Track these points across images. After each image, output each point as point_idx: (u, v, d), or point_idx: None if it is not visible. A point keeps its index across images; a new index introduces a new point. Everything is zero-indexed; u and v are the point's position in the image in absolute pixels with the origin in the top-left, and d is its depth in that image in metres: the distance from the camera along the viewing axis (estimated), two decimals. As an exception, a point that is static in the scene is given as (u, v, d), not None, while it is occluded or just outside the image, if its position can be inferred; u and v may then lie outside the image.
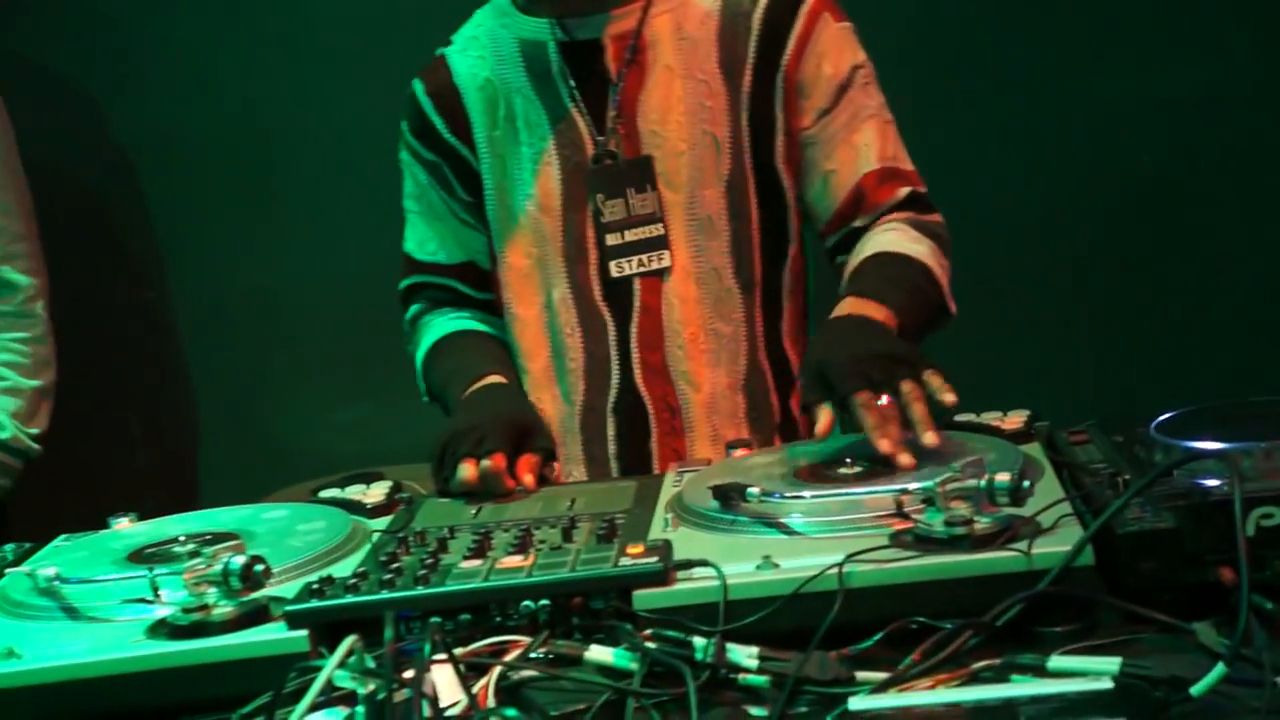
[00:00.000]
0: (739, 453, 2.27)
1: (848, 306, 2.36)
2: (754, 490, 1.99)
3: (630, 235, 2.54)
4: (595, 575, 1.86)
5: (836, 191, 2.56)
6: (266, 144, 3.67)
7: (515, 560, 1.93)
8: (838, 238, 2.59)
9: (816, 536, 1.91)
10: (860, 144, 2.55)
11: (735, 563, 1.84)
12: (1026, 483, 1.84)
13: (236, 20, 3.51)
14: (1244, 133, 3.44)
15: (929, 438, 2.06)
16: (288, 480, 3.20)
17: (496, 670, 1.75)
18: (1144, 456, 1.95)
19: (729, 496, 2.00)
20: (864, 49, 2.57)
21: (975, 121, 3.49)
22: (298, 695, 1.68)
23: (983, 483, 1.81)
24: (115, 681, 1.86)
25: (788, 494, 2.00)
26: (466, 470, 2.27)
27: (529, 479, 2.30)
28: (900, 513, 1.88)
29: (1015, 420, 2.20)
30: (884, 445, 2.07)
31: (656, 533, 2.00)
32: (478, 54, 2.60)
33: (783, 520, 1.95)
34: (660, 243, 2.53)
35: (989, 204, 3.47)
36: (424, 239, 2.70)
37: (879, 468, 2.04)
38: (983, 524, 1.81)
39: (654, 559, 1.86)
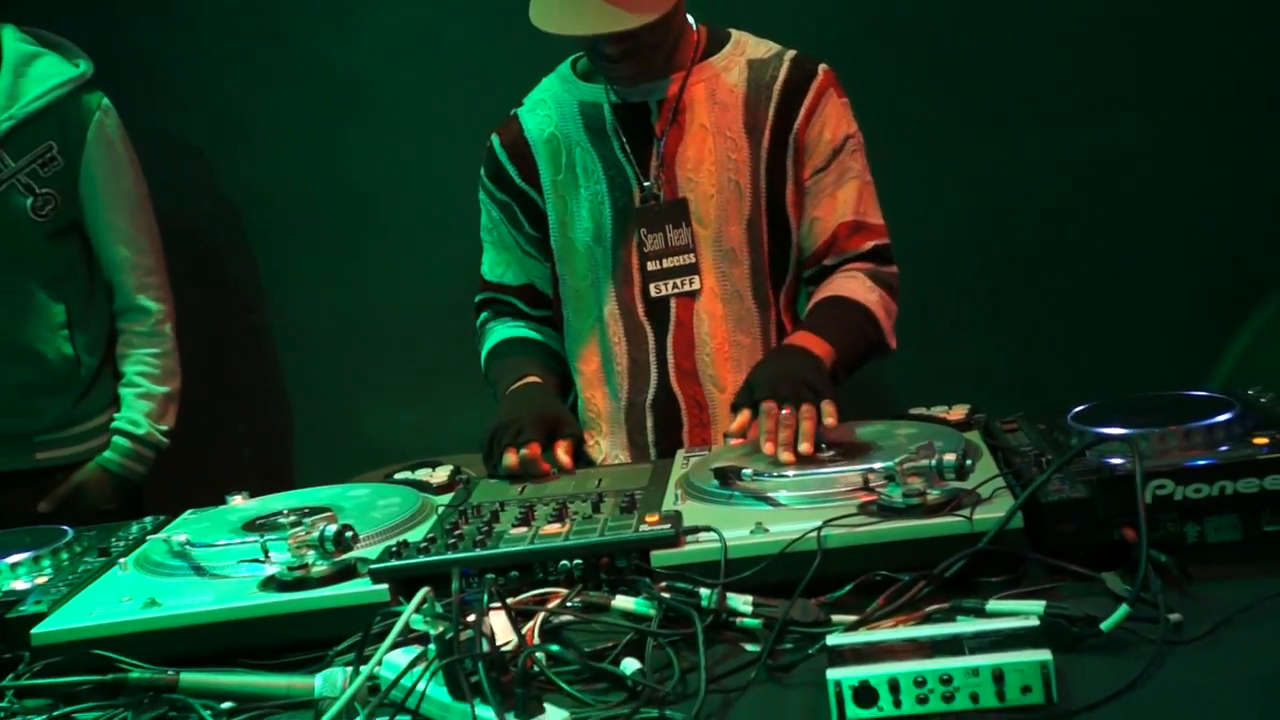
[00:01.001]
0: (735, 441, 2.27)
1: (795, 338, 2.43)
2: (747, 471, 2.02)
3: (667, 263, 2.54)
4: (620, 539, 1.88)
5: (817, 235, 2.56)
6: (348, 193, 3.67)
7: (554, 528, 1.95)
8: (812, 271, 2.60)
9: (798, 507, 1.93)
10: (840, 199, 2.55)
11: (733, 529, 1.86)
12: (969, 462, 1.87)
13: (326, 89, 3.50)
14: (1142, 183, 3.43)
15: (803, 447, 2.09)
16: (365, 468, 3.18)
17: (540, 615, 1.77)
18: (1062, 440, 1.97)
19: (727, 476, 2.02)
20: (855, 121, 2.58)
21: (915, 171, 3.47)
22: (381, 636, 1.68)
23: (933, 462, 1.83)
24: (234, 626, 1.88)
25: (774, 474, 2.01)
26: (509, 458, 2.29)
27: (565, 459, 2.32)
28: (866, 487, 1.89)
29: (958, 412, 2.21)
30: (767, 447, 2.12)
31: (669, 505, 2.01)
32: (545, 113, 2.60)
33: (770, 495, 1.97)
34: (692, 269, 2.53)
35: (937, 242, 3.46)
36: (494, 263, 2.70)
37: (847, 453, 2.04)
38: (933, 495, 1.83)
39: (667, 526, 1.88)
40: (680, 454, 2.31)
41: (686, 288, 2.55)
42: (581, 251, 2.59)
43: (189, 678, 1.73)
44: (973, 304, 3.49)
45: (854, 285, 2.54)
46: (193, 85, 3.58)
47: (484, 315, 2.74)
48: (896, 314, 2.57)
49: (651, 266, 2.54)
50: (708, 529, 1.87)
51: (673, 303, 2.55)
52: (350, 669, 1.69)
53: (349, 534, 1.94)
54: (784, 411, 2.16)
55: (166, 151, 3.38)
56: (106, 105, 3.12)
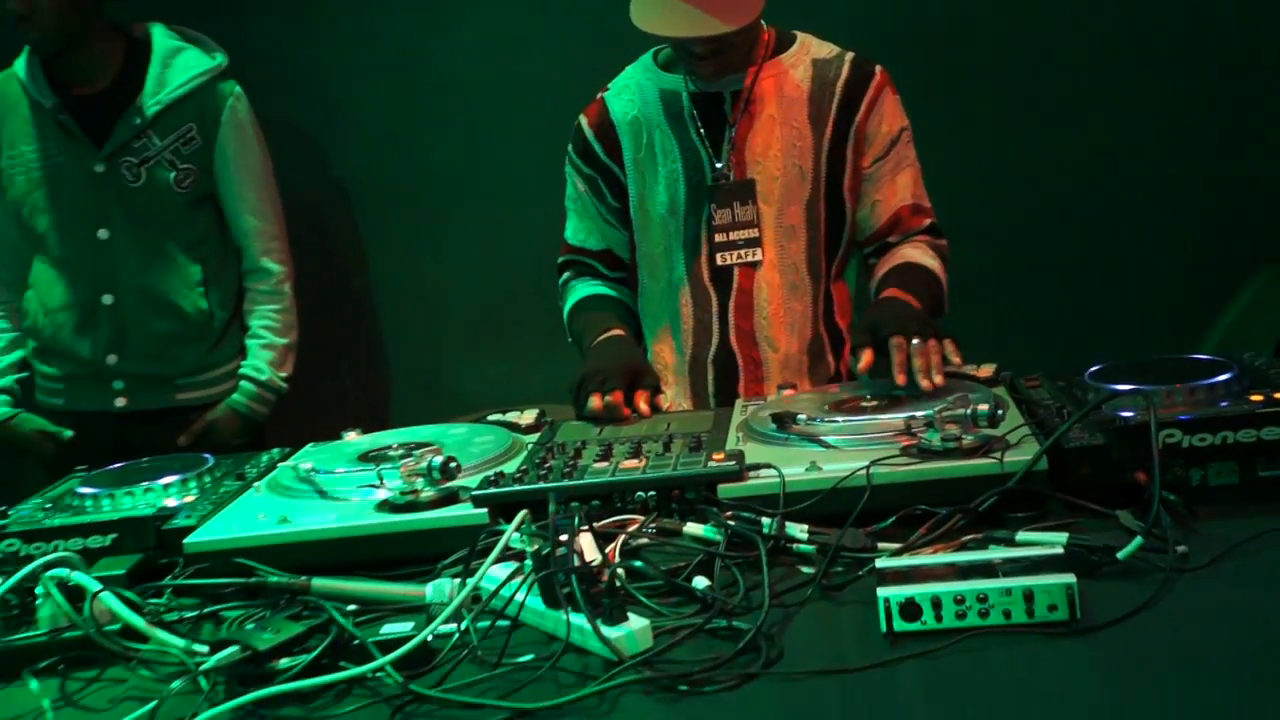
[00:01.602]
0: (788, 393, 2.27)
1: (892, 293, 2.40)
2: (802, 416, 2.02)
3: (734, 235, 2.52)
4: (691, 473, 1.89)
5: (880, 215, 2.55)
6: (438, 174, 3.68)
7: (632, 463, 1.96)
8: (874, 247, 2.59)
9: (846, 449, 1.93)
10: (900, 184, 2.55)
11: (789, 466, 1.86)
12: (999, 412, 1.86)
13: (421, 83, 3.51)
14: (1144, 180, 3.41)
15: (936, 379, 2.07)
16: (453, 414, 3.19)
17: (621, 538, 1.78)
18: (1080, 395, 1.96)
19: (784, 420, 2.02)
20: (907, 115, 2.57)
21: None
22: (484, 552, 1.70)
23: (968, 411, 1.83)
24: (355, 541, 1.91)
25: (826, 419, 2.01)
26: (594, 402, 2.29)
27: (644, 407, 2.32)
28: (908, 431, 1.88)
29: (987, 370, 2.19)
30: (900, 377, 2.10)
31: (732, 446, 2.01)
32: (629, 98, 2.59)
33: (822, 437, 1.97)
34: (755, 243, 2.52)
35: (964, 224, 3.45)
36: (577, 230, 2.69)
37: (890, 403, 2.04)
38: (968, 440, 1.83)
39: (732, 463, 1.89)
40: (739, 403, 2.31)
41: (750, 259, 2.53)
42: (657, 222, 2.58)
43: (319, 583, 1.75)
44: (994, 278, 3.47)
45: (920, 254, 2.53)
46: (309, 78, 3.60)
47: (566, 275, 2.74)
48: (947, 279, 2.57)
49: (719, 238, 2.53)
50: (768, 466, 1.87)
51: (736, 271, 2.54)
52: (457, 580, 1.71)
53: (453, 465, 1.95)
54: (914, 342, 2.14)
55: (286, 135, 3.39)
56: (239, 92, 3.13)
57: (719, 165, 2.52)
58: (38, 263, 3.13)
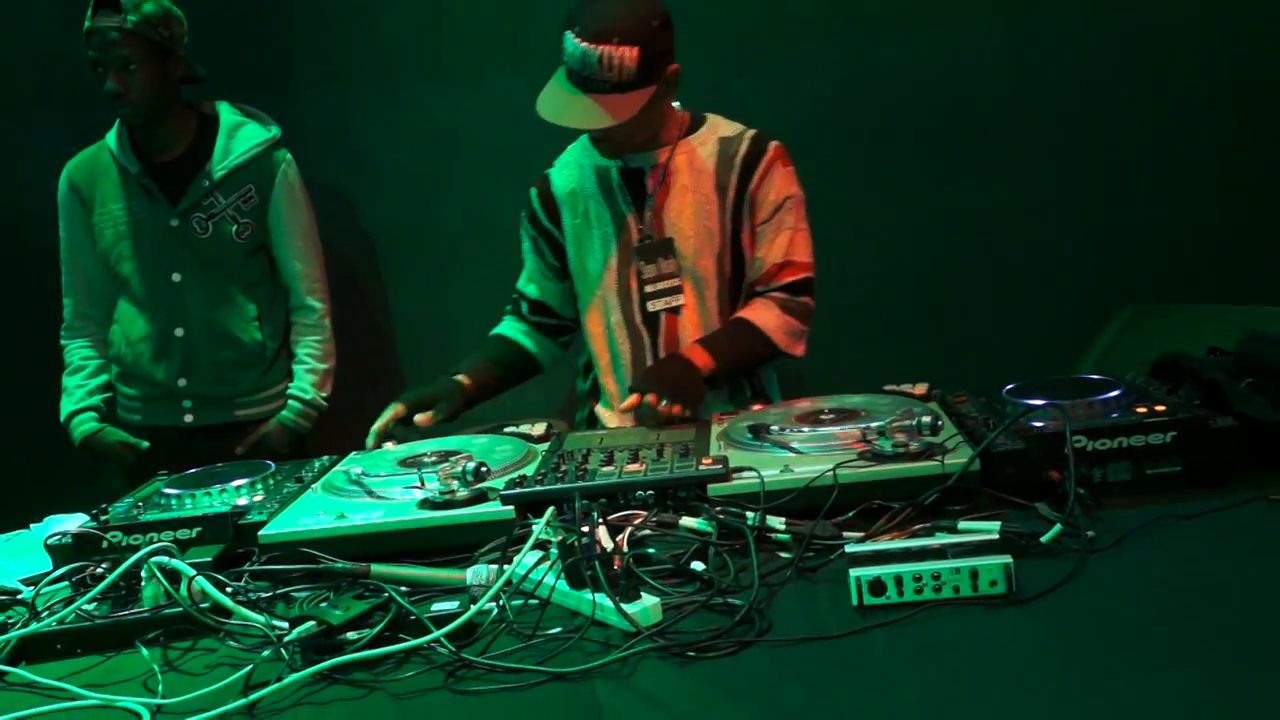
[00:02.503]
0: (757, 407, 2.26)
1: (686, 350, 2.45)
2: (774, 427, 2.02)
3: (660, 285, 2.52)
4: (685, 475, 1.88)
5: (756, 269, 2.55)
6: (446, 226, 3.65)
7: (635, 467, 1.94)
8: (746, 295, 2.58)
9: (811, 454, 1.93)
10: (777, 244, 2.53)
11: (766, 469, 1.86)
12: (939, 423, 1.86)
13: (434, 146, 3.49)
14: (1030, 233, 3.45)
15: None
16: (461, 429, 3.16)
17: (628, 530, 1.77)
18: (1000, 409, 1.96)
19: (759, 430, 2.02)
20: (798, 184, 2.56)
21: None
22: (520, 540, 1.70)
23: (914, 422, 1.83)
24: (401, 534, 1.89)
25: (794, 429, 2.01)
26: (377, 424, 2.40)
27: (421, 420, 2.41)
28: (864, 439, 1.88)
29: (921, 389, 2.20)
30: (619, 415, 2.33)
31: (715, 452, 2.01)
32: (569, 173, 2.58)
33: (793, 444, 1.97)
34: (677, 290, 2.52)
35: (895, 267, 3.48)
36: (523, 276, 2.69)
37: (845, 416, 2.03)
38: (914, 446, 1.83)
39: (719, 466, 1.88)
40: (715, 415, 2.28)
41: (674, 304, 2.53)
42: (595, 278, 2.56)
43: (376, 569, 1.74)
44: (919, 313, 3.49)
45: (760, 310, 2.53)
46: (345, 145, 3.57)
47: (506, 307, 2.73)
48: (804, 330, 2.56)
49: (648, 289, 2.52)
50: (749, 469, 1.87)
51: (663, 315, 2.54)
52: (493, 565, 1.70)
53: (484, 469, 1.94)
54: (663, 403, 2.25)
55: (326, 193, 3.37)
56: (289, 159, 3.12)
57: (642, 227, 2.51)
58: (122, 302, 3.10)
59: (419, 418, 2.39)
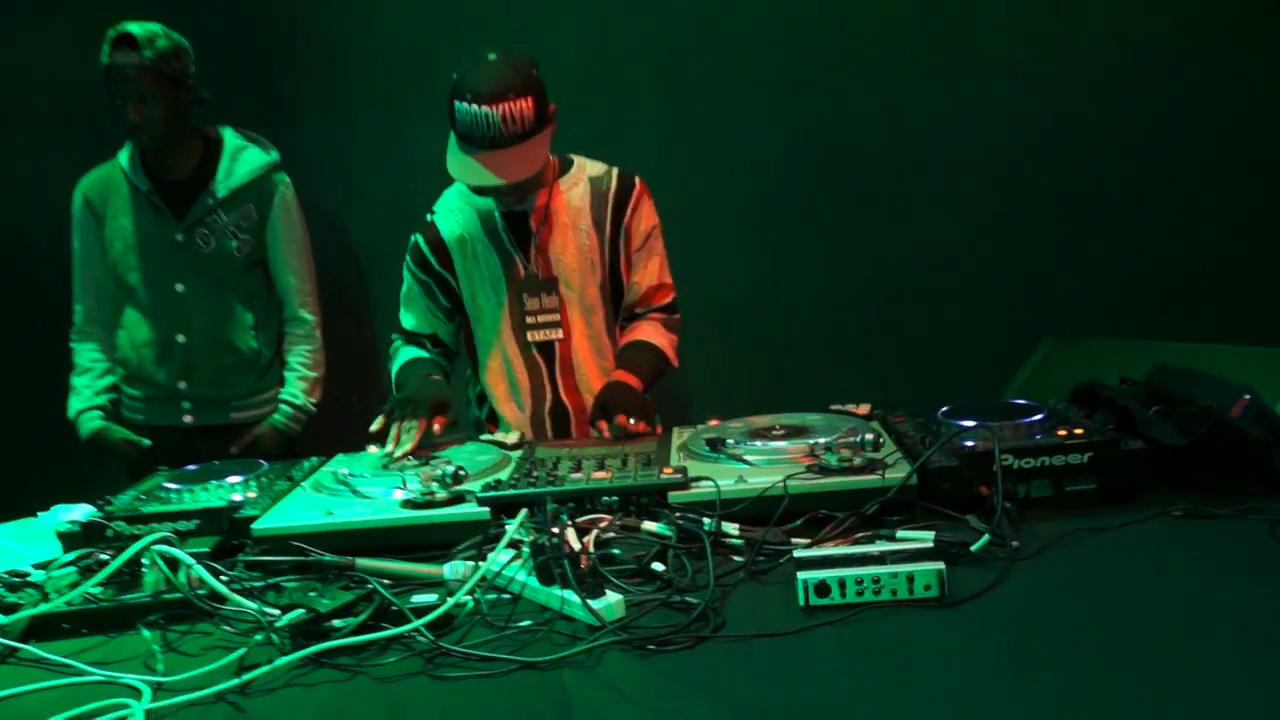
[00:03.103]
0: (713, 421, 2.24)
1: (620, 375, 2.45)
2: (730, 440, 2.01)
3: (541, 319, 2.51)
4: (648, 483, 1.88)
5: (635, 292, 2.57)
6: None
7: (601, 474, 1.94)
8: (626, 316, 2.60)
9: (764, 466, 1.93)
10: (650, 269, 2.56)
11: (722, 479, 1.85)
12: (881, 440, 1.87)
13: (427, 172, 3.46)
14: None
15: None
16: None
17: (594, 532, 1.76)
18: (935, 429, 1.97)
19: (715, 443, 2.02)
20: (658, 214, 2.59)
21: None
22: (494, 539, 1.69)
23: (858, 439, 1.84)
24: (385, 531, 1.87)
25: (748, 443, 2.01)
26: (393, 429, 2.23)
27: (437, 428, 2.26)
28: (812, 454, 1.89)
29: (864, 409, 2.20)
30: (603, 432, 2.27)
31: (676, 462, 2.00)
32: (455, 219, 2.54)
33: (746, 457, 1.97)
34: (557, 324, 2.51)
35: (834, 296, 3.48)
36: (407, 317, 2.61)
37: (794, 432, 2.03)
38: (858, 461, 1.83)
39: (679, 475, 1.88)
40: (675, 429, 2.29)
41: (554, 336, 2.51)
42: (488, 313, 2.53)
43: (361, 562, 1.73)
44: (863, 340, 3.51)
45: (651, 330, 2.57)
46: (336, 168, 3.53)
47: (396, 342, 2.66)
48: (678, 341, 2.61)
49: (529, 321, 2.51)
50: (707, 478, 1.86)
51: (555, 345, 2.53)
52: (469, 562, 1.69)
53: (461, 473, 1.93)
54: (631, 421, 2.24)
55: (319, 215, 3.34)
56: (287, 181, 3.09)
57: (527, 266, 2.50)
58: (128, 309, 3.06)
59: (437, 426, 2.29)
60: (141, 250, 3.00)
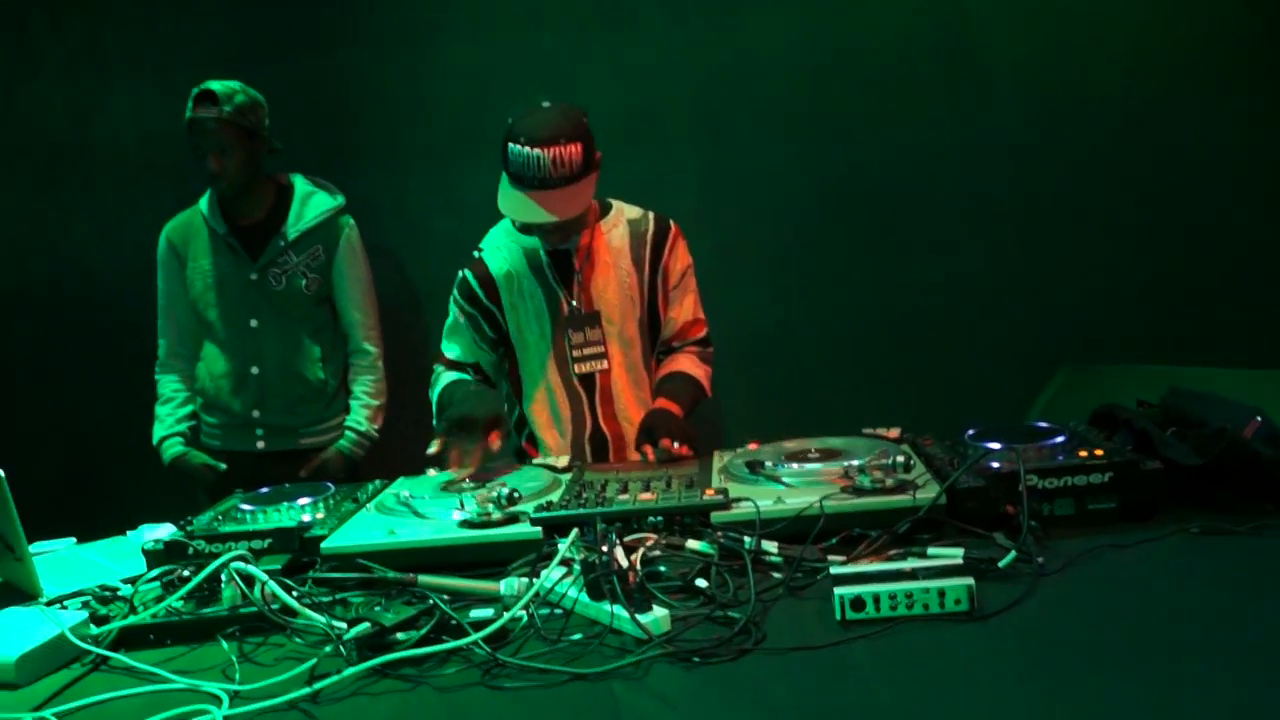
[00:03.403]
0: (752, 444, 2.22)
1: (660, 402, 2.46)
2: (768, 463, 2.00)
3: (586, 351, 2.51)
4: (692, 504, 1.87)
5: (670, 328, 2.58)
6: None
7: (647, 495, 1.93)
8: (663, 350, 2.61)
9: (800, 487, 1.91)
10: (686, 305, 2.57)
11: (762, 500, 1.84)
12: (911, 462, 1.85)
13: (474, 215, 3.48)
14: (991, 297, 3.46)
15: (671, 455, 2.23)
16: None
17: (641, 550, 1.75)
18: (963, 451, 1.95)
19: (755, 466, 2.00)
20: (691, 254, 2.59)
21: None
22: (547, 557, 1.69)
23: (890, 461, 1.82)
24: (445, 549, 1.87)
25: (785, 465, 1.99)
26: (452, 455, 2.23)
27: (496, 445, 2.27)
28: (846, 475, 1.87)
29: (894, 432, 2.18)
30: (649, 456, 2.27)
31: (717, 484, 1.99)
32: (502, 256, 2.55)
33: (784, 479, 1.95)
34: (602, 356, 2.51)
35: (864, 330, 3.48)
36: (451, 347, 2.60)
37: (828, 455, 2.02)
38: (890, 483, 1.82)
39: (721, 496, 1.87)
40: (716, 452, 2.26)
41: (599, 367, 2.51)
42: (532, 346, 2.53)
43: (422, 579, 1.73)
44: (893, 367, 3.48)
45: (688, 362, 2.57)
46: (396, 211, 3.57)
47: (439, 370, 2.63)
48: (712, 373, 2.60)
49: (576, 354, 2.51)
50: (747, 499, 1.85)
51: (596, 376, 2.53)
52: (524, 579, 1.69)
53: (516, 494, 1.93)
54: (676, 445, 2.24)
55: (381, 254, 3.37)
56: (352, 224, 3.13)
57: (573, 303, 2.50)
58: (207, 343, 3.11)
59: (495, 444, 2.29)
60: (220, 289, 3.05)
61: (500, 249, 2.57)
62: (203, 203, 3.09)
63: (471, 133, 3.50)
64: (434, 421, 2.53)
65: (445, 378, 2.59)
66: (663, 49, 3.43)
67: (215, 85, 2.89)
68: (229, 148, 2.91)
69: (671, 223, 2.57)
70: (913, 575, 1.51)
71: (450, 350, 2.61)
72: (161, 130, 3.53)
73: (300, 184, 3.10)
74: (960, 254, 3.42)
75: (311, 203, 3.08)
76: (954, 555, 1.58)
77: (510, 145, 2.31)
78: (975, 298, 3.42)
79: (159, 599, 1.74)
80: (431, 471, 2.30)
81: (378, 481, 2.32)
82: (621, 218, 2.56)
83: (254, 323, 3.05)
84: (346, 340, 3.17)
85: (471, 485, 2.10)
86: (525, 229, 2.47)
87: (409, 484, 2.23)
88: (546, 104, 2.36)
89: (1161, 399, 2.04)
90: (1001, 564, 1.58)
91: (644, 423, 2.38)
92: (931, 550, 1.63)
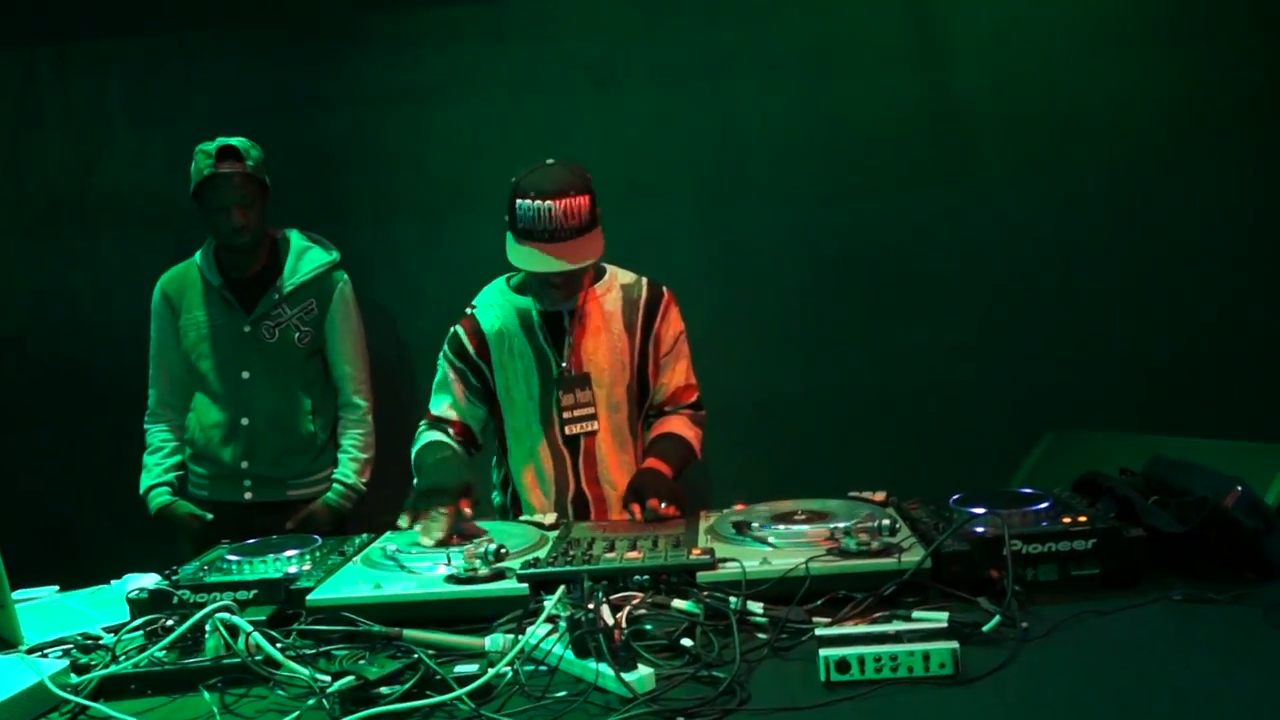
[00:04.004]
0: (739, 505, 2.22)
1: (650, 462, 2.45)
2: (755, 524, 1.99)
3: (576, 413, 2.50)
4: (678, 563, 1.86)
5: (662, 393, 2.58)
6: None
7: (634, 554, 1.92)
8: (655, 413, 2.62)
9: (787, 549, 1.91)
10: (678, 370, 2.58)
11: (748, 560, 1.83)
12: (898, 525, 1.85)
13: (464, 273, 3.49)
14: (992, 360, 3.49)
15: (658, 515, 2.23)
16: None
17: (628, 608, 1.74)
18: (948, 515, 1.95)
19: (741, 527, 2.00)
20: (683, 320, 2.59)
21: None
22: (533, 614, 1.68)
23: (875, 524, 1.82)
24: (430, 604, 1.86)
25: (771, 526, 1.99)
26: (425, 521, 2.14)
27: (468, 510, 2.19)
28: (831, 537, 1.87)
29: (880, 496, 2.18)
30: (636, 515, 2.26)
31: (704, 544, 1.98)
32: (494, 314, 2.55)
33: (770, 540, 1.95)
34: (592, 418, 2.51)
35: (849, 391, 3.48)
36: (439, 403, 2.58)
37: (813, 517, 2.01)
38: (875, 545, 1.82)
39: (707, 556, 1.86)
40: (701, 512, 2.25)
41: (589, 429, 2.51)
42: (520, 405, 2.53)
43: (407, 633, 1.71)
44: (878, 431, 3.49)
45: (680, 424, 2.57)
46: (389, 267, 3.59)
47: (423, 425, 2.61)
48: (702, 435, 2.61)
49: (566, 415, 2.51)
50: (733, 559, 1.84)
51: (581, 438, 2.52)
52: (510, 635, 1.67)
53: (503, 550, 1.92)
54: (662, 505, 2.23)
55: (373, 309, 3.38)
56: (346, 279, 3.14)
57: (563, 365, 2.50)
58: (198, 394, 3.10)
59: (467, 510, 2.22)
60: (213, 340, 3.06)
61: (494, 306, 2.58)
62: (198, 255, 3.11)
63: (464, 191, 3.54)
64: (414, 479, 2.52)
65: (424, 437, 2.56)
66: (655, 114, 3.48)
67: (236, 142, 2.94)
68: (254, 201, 2.96)
69: (665, 289, 2.58)
70: (897, 638, 1.50)
71: (436, 405, 2.60)
72: (161, 182, 3.56)
73: (295, 239, 3.12)
74: (949, 321, 3.45)
75: (306, 257, 3.10)
76: (939, 619, 1.57)
77: (519, 201, 2.34)
78: (962, 365, 3.45)
79: (142, 648, 1.72)
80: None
81: (365, 535, 2.31)
82: (615, 282, 2.58)
83: (246, 374, 3.05)
84: (337, 393, 3.16)
85: (458, 541, 2.09)
86: (538, 287, 2.47)
87: (396, 538, 2.21)
88: (550, 161, 2.39)
89: (1144, 467, 2.06)
90: (986, 628, 1.58)
91: (633, 482, 2.38)
92: (916, 613, 1.62)
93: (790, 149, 3.46)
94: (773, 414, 3.51)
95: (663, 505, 2.24)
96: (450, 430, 2.57)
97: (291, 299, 3.06)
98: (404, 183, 3.59)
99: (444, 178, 3.56)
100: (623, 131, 3.49)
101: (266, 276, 3.06)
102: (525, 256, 2.35)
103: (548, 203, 2.30)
